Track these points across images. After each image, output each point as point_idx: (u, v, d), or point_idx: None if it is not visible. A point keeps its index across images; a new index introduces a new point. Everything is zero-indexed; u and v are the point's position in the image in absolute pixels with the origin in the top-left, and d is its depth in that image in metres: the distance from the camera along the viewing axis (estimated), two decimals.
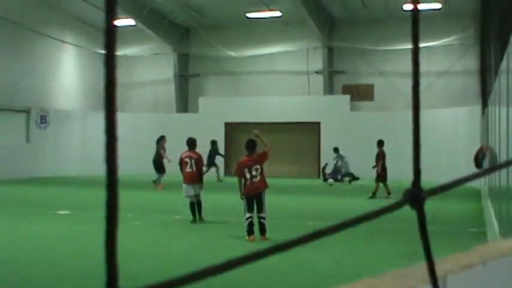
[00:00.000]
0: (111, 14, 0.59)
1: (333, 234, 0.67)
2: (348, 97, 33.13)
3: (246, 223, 11.58)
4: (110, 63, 0.57)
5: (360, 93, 33.69)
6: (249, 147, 12.08)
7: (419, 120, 0.73)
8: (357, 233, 10.77)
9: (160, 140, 25.34)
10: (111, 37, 0.58)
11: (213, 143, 30.16)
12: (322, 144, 32.82)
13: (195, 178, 14.39)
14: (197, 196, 14.26)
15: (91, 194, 21.85)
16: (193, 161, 14.50)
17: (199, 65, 37.07)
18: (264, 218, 11.63)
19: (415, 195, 0.76)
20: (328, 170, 29.41)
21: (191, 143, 15.03)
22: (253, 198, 11.70)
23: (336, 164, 28.77)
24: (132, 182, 24.84)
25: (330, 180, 27.75)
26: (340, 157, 28.91)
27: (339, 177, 28.34)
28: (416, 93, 0.72)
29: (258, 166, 11.78)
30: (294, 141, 33.82)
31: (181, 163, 14.68)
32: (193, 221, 14.06)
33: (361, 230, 9.57)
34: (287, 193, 22.73)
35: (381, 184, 20.98)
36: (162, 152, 24.75)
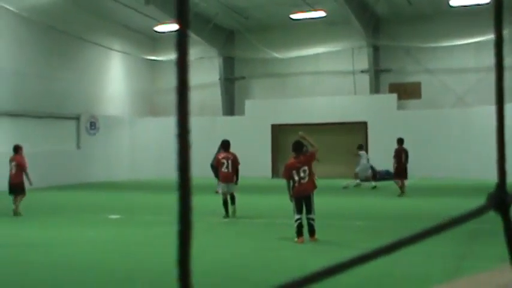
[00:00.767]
0: (183, 19, 0.58)
1: (415, 242, 0.61)
2: (394, 96, 32.76)
3: (295, 225, 11.51)
4: (182, 67, 0.57)
5: (407, 92, 33.28)
6: (296, 149, 12.04)
7: (504, 116, 0.66)
8: (408, 231, 10.61)
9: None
10: (182, 40, 0.57)
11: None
12: (369, 144, 32.49)
13: (230, 177, 15.69)
14: (231, 193, 15.62)
15: (140, 198, 22.12)
16: (229, 162, 15.69)
17: (245, 67, 37.12)
18: (313, 220, 11.57)
19: (500, 200, 0.69)
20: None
21: (227, 145, 16.11)
22: (302, 199, 11.63)
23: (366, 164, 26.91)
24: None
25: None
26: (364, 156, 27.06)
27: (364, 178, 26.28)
28: (500, 87, 0.65)
29: (306, 167, 11.71)
30: (341, 141, 33.57)
31: (218, 164, 16.06)
32: (226, 216, 15.44)
33: (412, 228, 9.42)
34: (335, 194, 22.59)
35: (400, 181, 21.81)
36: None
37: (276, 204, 17.92)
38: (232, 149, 16.30)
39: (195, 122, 28.68)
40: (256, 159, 32.65)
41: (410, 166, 30.67)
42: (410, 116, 32.01)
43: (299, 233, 11.46)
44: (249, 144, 32.81)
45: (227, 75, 37.07)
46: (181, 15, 0.58)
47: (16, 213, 16.51)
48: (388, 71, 33.85)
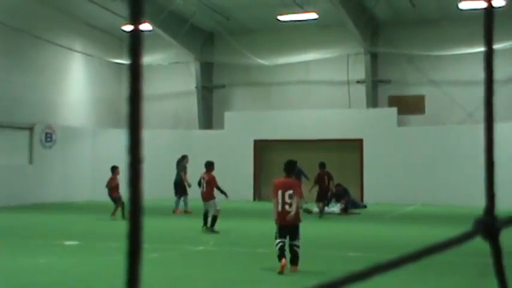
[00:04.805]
0: (136, 17, 0.58)
1: (393, 269, 0.64)
2: (394, 110, 32.94)
3: (277, 248, 11.61)
4: (135, 72, 0.57)
5: (409, 106, 33.49)
6: (287, 169, 12.21)
7: (493, 135, 0.70)
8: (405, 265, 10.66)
9: (181, 161, 25.87)
10: (136, 43, 0.57)
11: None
12: (365, 164, 32.63)
13: (206, 196, 18.89)
14: (215, 211, 18.42)
15: (103, 222, 22.00)
16: (205, 182, 19.03)
17: (225, 75, 37.19)
18: (297, 246, 11.64)
19: (488, 225, 0.73)
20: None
21: (207, 166, 19.54)
22: (286, 227, 11.74)
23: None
24: (149, 208, 24.91)
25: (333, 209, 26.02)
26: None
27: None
28: (489, 104, 0.69)
29: (292, 192, 11.79)
30: (332, 161, 33.57)
31: (199, 183, 19.45)
32: (203, 226, 18.66)
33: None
34: (326, 220, 22.65)
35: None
36: (182, 174, 25.32)
37: (258, 231, 17.94)
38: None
39: (167, 136, 29.38)
40: (236, 180, 32.63)
41: (411, 190, 30.91)
42: (412, 133, 32.20)
43: (281, 256, 11.54)
44: (229, 162, 32.81)
45: (205, 83, 37.10)
46: (135, 14, 0.59)
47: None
48: (387, 82, 34.07)
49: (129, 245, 0.60)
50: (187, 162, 25.91)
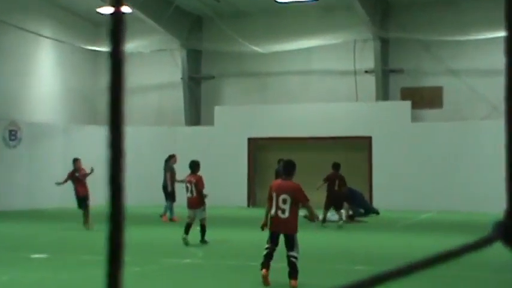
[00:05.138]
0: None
1: (403, 277, 0.66)
2: (408, 103, 32.94)
3: (263, 253, 11.59)
4: (116, 58, 0.57)
5: (424, 99, 33.50)
6: (285, 170, 12.15)
7: None
8: (418, 280, 10.67)
9: (168, 161, 25.90)
10: (117, 28, 0.57)
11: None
12: (374, 165, 32.62)
13: (195, 203, 18.24)
14: (202, 220, 18.17)
15: (75, 232, 21.97)
16: (192, 185, 18.21)
17: (215, 64, 37.15)
18: (295, 258, 11.51)
19: (510, 229, 0.74)
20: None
21: (193, 166, 18.73)
22: (278, 234, 11.72)
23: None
24: (130, 215, 24.91)
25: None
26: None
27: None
28: (510, 96, 0.71)
29: (287, 197, 11.66)
30: (337, 161, 33.67)
31: (186, 188, 18.55)
32: (185, 238, 17.71)
33: (423, 276, 9.47)
34: (331, 229, 22.61)
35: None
36: (167, 175, 25.35)
37: (252, 242, 17.89)
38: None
39: (149, 134, 29.38)
40: (228, 183, 32.66)
41: (426, 195, 30.91)
42: (429, 130, 32.20)
43: (264, 264, 11.51)
44: (220, 163, 32.81)
45: (192, 74, 37.05)
46: None
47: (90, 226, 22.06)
48: (399, 71, 34.06)
49: (108, 252, 0.60)
50: (174, 162, 25.87)
